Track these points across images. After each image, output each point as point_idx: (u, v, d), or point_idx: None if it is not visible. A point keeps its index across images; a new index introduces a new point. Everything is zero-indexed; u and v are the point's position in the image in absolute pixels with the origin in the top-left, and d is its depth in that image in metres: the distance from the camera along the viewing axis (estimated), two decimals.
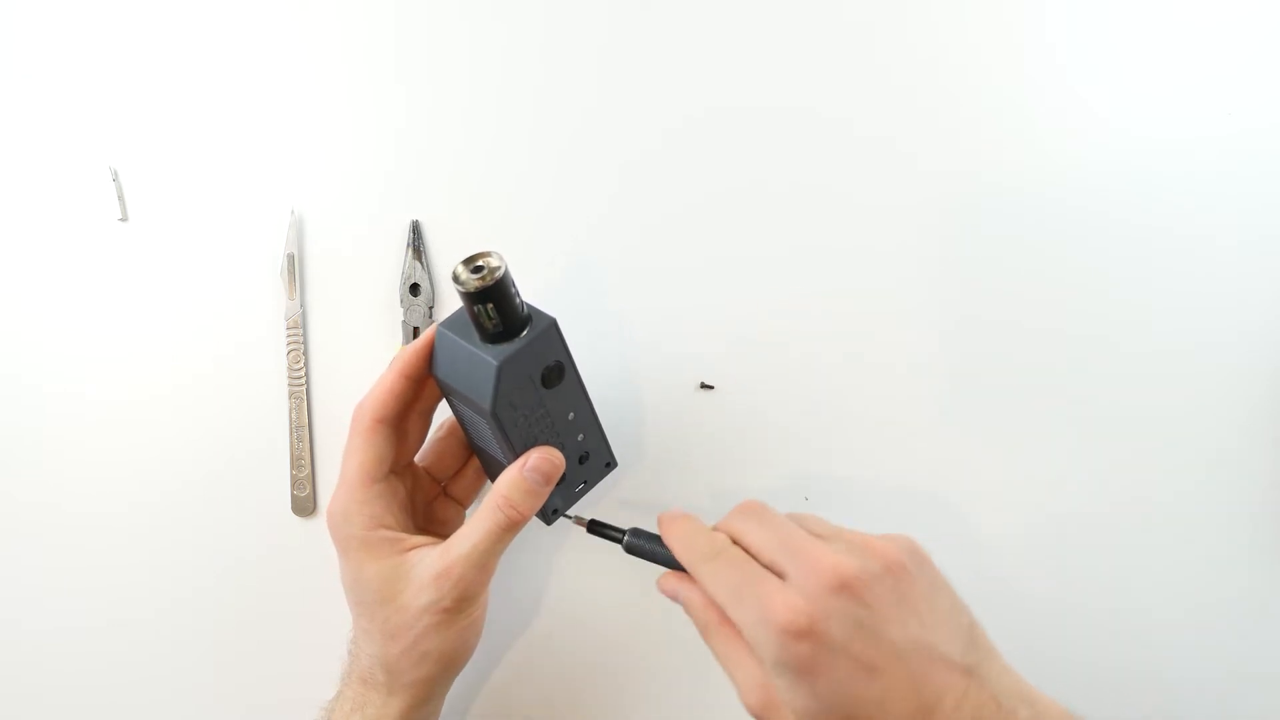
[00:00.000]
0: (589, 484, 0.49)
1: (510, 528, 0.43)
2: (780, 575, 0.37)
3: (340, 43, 0.53)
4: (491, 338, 0.41)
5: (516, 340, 0.41)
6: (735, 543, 0.40)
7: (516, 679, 0.54)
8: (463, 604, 0.43)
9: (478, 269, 0.39)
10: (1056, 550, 0.53)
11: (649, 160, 0.53)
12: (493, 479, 0.49)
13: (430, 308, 0.53)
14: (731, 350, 0.53)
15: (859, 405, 0.53)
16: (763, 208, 0.53)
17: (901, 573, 0.37)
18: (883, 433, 0.53)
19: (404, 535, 0.45)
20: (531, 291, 0.52)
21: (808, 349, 0.53)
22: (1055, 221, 0.52)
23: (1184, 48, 0.52)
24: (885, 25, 0.53)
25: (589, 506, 0.52)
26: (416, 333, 0.53)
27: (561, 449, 0.45)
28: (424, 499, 0.49)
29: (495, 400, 0.41)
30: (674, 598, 0.42)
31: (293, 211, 0.53)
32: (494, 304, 0.39)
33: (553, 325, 0.42)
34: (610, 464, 0.50)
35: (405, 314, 0.53)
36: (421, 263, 0.53)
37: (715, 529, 0.41)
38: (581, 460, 0.48)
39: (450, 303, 0.53)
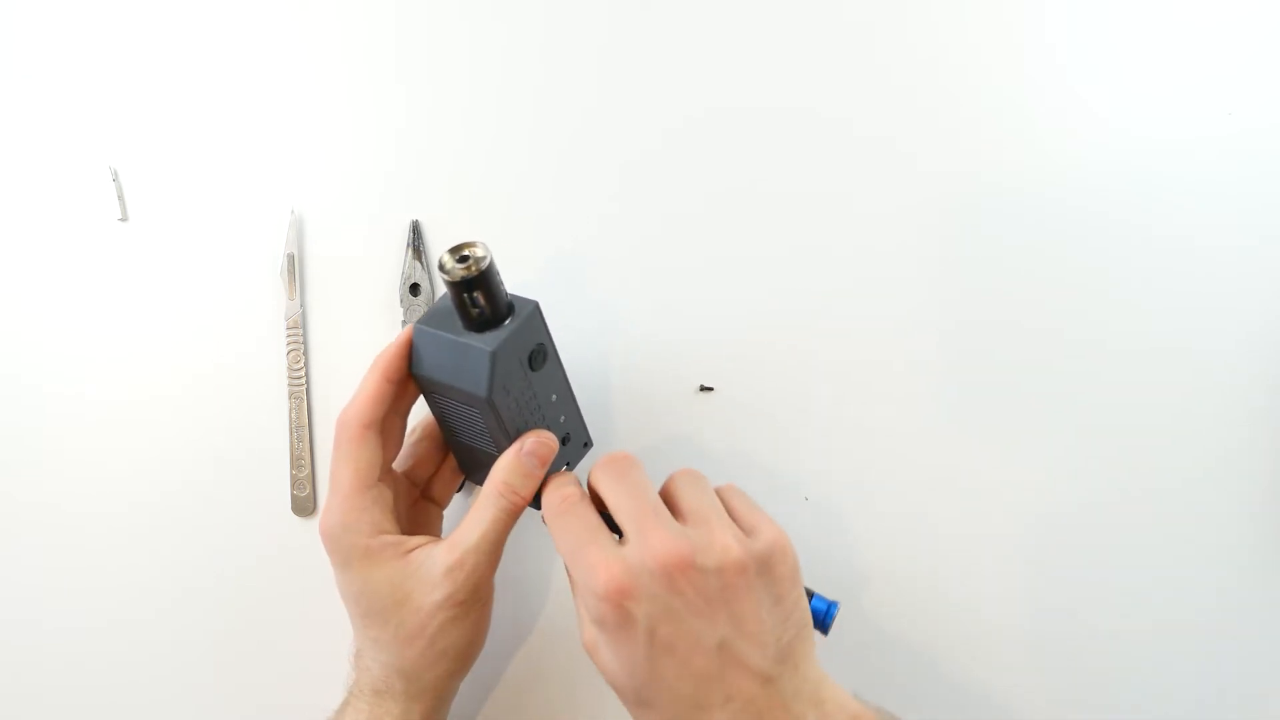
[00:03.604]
0: (570, 466, 0.50)
1: (513, 513, 0.44)
2: (625, 536, 0.39)
3: (340, 43, 0.53)
4: (477, 326, 0.41)
5: (504, 327, 0.41)
6: (595, 495, 0.42)
7: (524, 676, 0.54)
8: (475, 594, 0.44)
9: (464, 258, 0.40)
10: (1055, 549, 0.53)
11: (649, 160, 0.53)
12: (469, 474, 0.49)
13: None
14: (731, 351, 0.53)
15: (859, 405, 0.53)
16: (763, 208, 0.53)
17: (735, 575, 0.38)
18: (882, 432, 0.53)
19: (404, 538, 0.45)
20: (531, 292, 0.52)
21: (807, 349, 0.53)
22: (1055, 222, 0.52)
23: (1184, 48, 0.52)
24: (885, 25, 0.53)
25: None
26: None
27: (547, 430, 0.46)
28: (405, 503, 0.48)
29: (491, 387, 0.41)
30: None
31: (293, 211, 0.53)
32: (481, 292, 0.40)
33: (536, 309, 0.43)
34: (588, 444, 0.50)
35: (405, 314, 0.53)
36: (421, 263, 0.53)
37: (588, 479, 0.43)
38: (564, 442, 0.48)
39: None
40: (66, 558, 0.54)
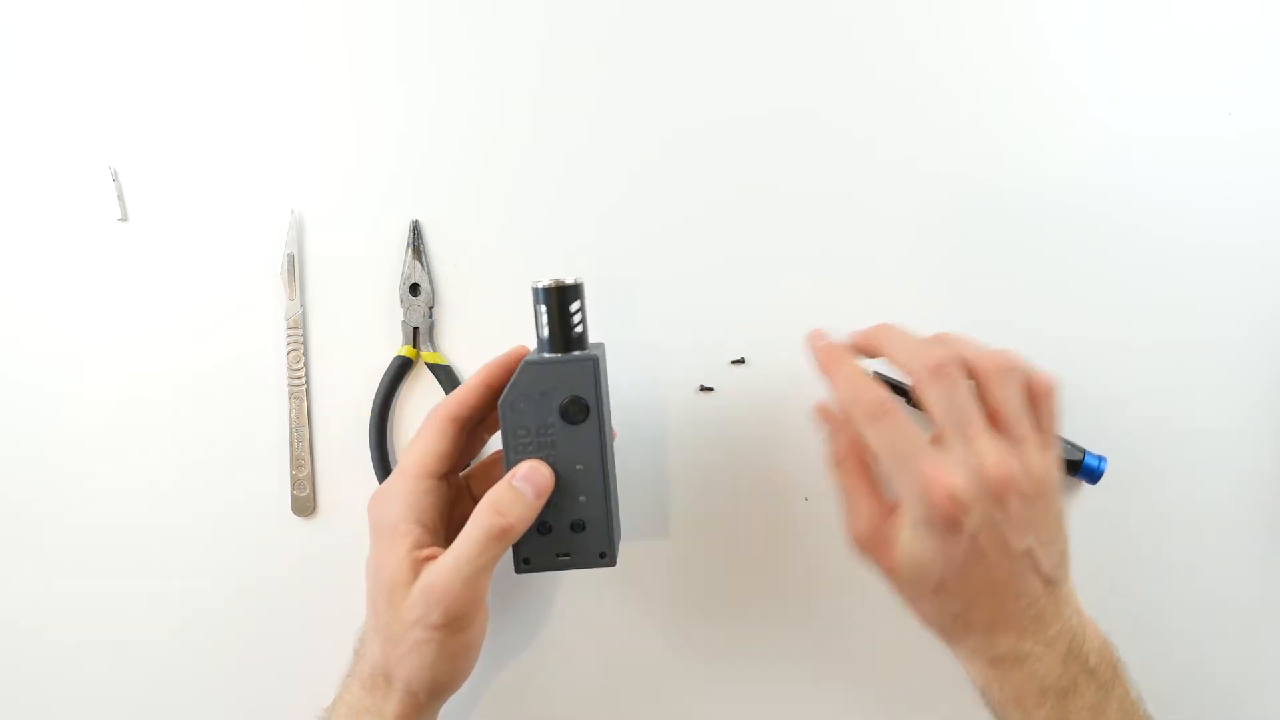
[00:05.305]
0: (573, 560, 0.45)
1: (498, 537, 0.42)
2: (941, 441, 0.41)
3: (341, 43, 0.53)
4: (544, 347, 0.44)
5: (556, 354, 0.44)
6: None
7: (514, 697, 0.54)
8: (453, 623, 0.42)
9: (558, 279, 0.44)
10: None
11: (649, 164, 0.53)
12: None
13: (430, 307, 0.53)
14: (731, 352, 0.53)
15: None
16: (764, 211, 0.53)
17: (1040, 498, 0.42)
18: None
19: (429, 541, 0.44)
20: (530, 294, 0.52)
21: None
22: (1055, 223, 0.52)
23: (1184, 48, 0.52)
24: (885, 28, 0.53)
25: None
26: (416, 333, 0.53)
27: (557, 497, 0.44)
28: (459, 515, 0.47)
29: (506, 394, 0.43)
30: (824, 423, 0.49)
31: (293, 211, 0.53)
32: (548, 310, 0.43)
33: (593, 359, 0.44)
34: (605, 556, 0.45)
35: (405, 314, 0.53)
36: (421, 263, 0.53)
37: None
38: (574, 528, 0.45)
39: (450, 303, 0.54)
40: (66, 557, 0.54)
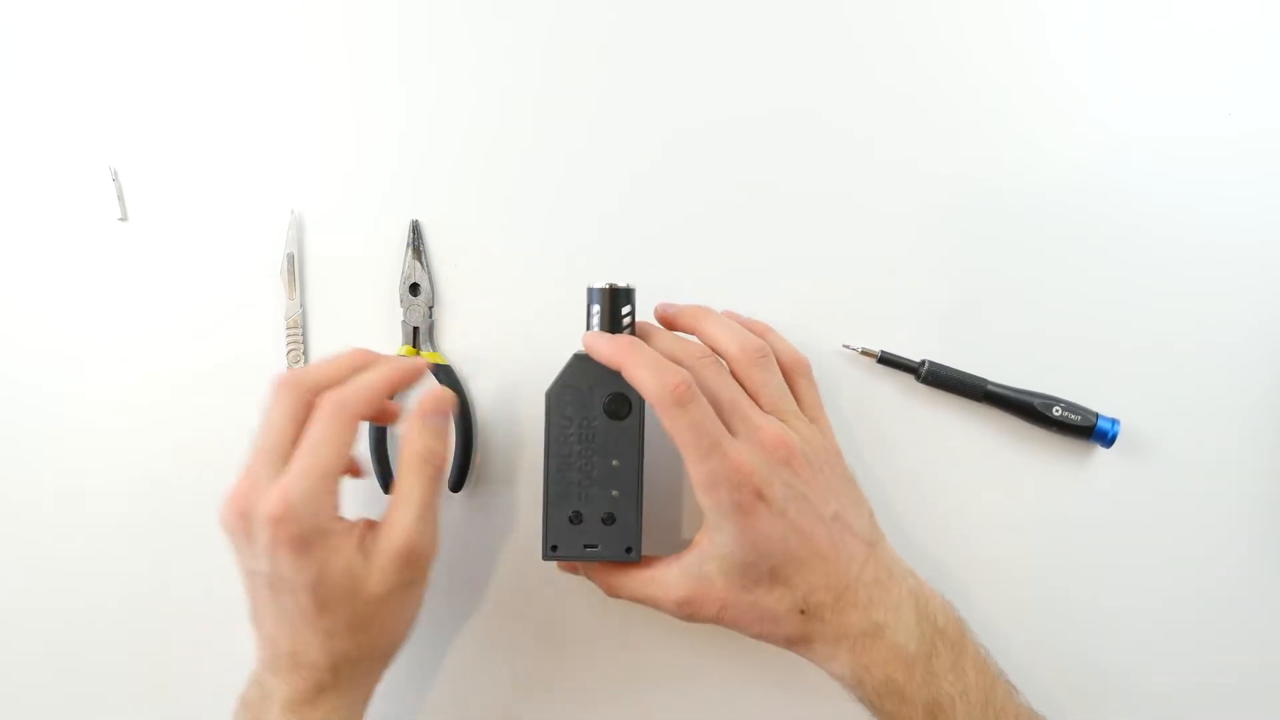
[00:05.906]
0: (600, 552, 0.46)
1: (437, 477, 0.44)
2: (729, 429, 0.43)
3: (341, 42, 0.53)
4: None
5: None
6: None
7: (512, 691, 0.54)
8: (427, 569, 0.44)
9: (611, 283, 0.46)
10: (1055, 550, 0.53)
11: (649, 164, 0.53)
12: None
13: (430, 307, 0.53)
14: None
15: (860, 407, 0.53)
16: (764, 211, 0.53)
17: (824, 464, 0.45)
18: (886, 434, 0.53)
19: (350, 522, 0.44)
20: (531, 295, 0.52)
21: (809, 350, 0.53)
22: (1055, 223, 0.52)
23: (1184, 48, 0.52)
24: (884, 27, 0.53)
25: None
26: (416, 333, 0.53)
27: (591, 489, 0.46)
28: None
29: (555, 384, 0.45)
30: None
31: (293, 211, 0.53)
32: (601, 310, 0.45)
33: None
34: (631, 550, 0.46)
35: (405, 314, 0.53)
36: (421, 263, 0.53)
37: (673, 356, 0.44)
38: (605, 521, 0.46)
39: (450, 303, 0.54)
40: (64, 558, 0.54)
